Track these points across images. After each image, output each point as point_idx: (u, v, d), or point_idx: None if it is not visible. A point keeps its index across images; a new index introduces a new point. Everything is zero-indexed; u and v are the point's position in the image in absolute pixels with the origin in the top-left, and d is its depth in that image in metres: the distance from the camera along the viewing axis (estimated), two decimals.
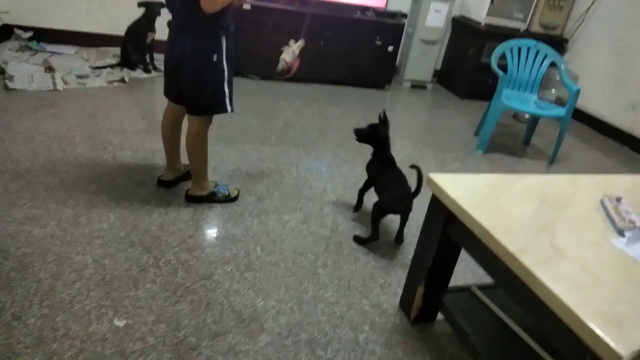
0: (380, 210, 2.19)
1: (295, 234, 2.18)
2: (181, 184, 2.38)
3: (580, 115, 4.53)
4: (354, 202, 2.53)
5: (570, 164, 3.60)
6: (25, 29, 3.93)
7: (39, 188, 2.18)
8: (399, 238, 2.29)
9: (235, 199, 2.34)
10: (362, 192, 2.48)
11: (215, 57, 1.93)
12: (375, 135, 2.32)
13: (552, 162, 3.49)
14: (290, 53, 2.38)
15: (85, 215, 2.05)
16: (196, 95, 2.00)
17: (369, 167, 2.42)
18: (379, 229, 2.20)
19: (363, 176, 2.80)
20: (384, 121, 2.31)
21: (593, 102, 4.49)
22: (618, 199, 1.56)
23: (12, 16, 3.89)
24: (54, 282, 1.68)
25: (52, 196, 2.14)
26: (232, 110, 2.08)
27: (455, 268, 1.78)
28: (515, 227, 1.35)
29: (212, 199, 2.27)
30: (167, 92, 2.14)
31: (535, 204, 1.53)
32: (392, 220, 2.40)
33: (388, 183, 2.26)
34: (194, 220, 2.15)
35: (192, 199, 2.25)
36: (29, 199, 2.09)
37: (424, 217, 1.72)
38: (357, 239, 2.24)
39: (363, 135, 2.34)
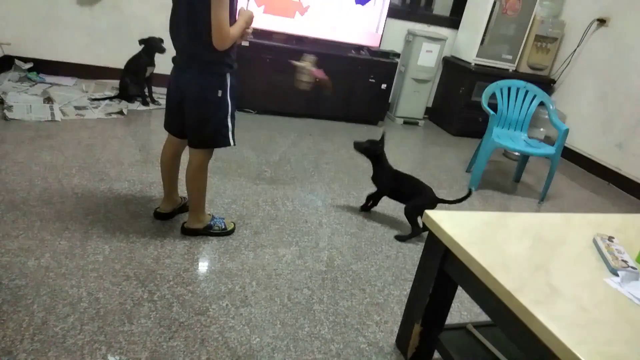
0: (420, 209, 2.55)
1: (291, 269, 2.18)
2: (177, 217, 2.38)
3: (568, 154, 4.65)
4: (349, 237, 2.55)
5: (560, 201, 3.67)
6: (25, 60, 3.99)
7: (34, 219, 2.17)
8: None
9: (231, 232, 2.34)
10: (375, 200, 2.84)
11: (220, 92, 1.98)
12: (374, 151, 2.71)
13: (542, 199, 3.55)
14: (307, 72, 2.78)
15: (81, 247, 2.04)
16: (200, 129, 2.04)
17: (378, 179, 2.78)
18: (420, 223, 2.60)
19: (358, 212, 2.84)
20: (382, 139, 2.72)
21: (580, 141, 4.61)
22: (610, 239, 1.60)
23: (13, 47, 3.95)
24: (47, 315, 1.65)
25: (48, 227, 2.13)
26: (234, 144, 2.12)
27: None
28: (512, 265, 1.38)
29: (208, 232, 2.28)
30: (168, 126, 2.18)
31: (530, 242, 1.56)
32: (389, 254, 2.42)
33: (414, 188, 2.70)
34: (189, 254, 2.14)
35: (189, 232, 2.25)
36: (23, 229, 2.08)
37: (419, 255, 1.73)
38: (400, 238, 2.63)
39: (363, 149, 2.74)
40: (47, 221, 2.17)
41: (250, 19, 1.99)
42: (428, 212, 1.61)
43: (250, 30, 2.03)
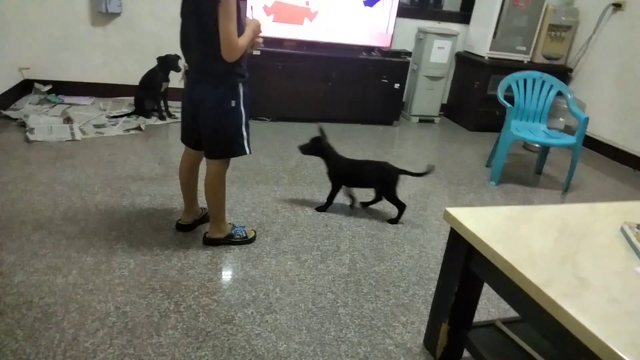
0: (393, 186, 2.70)
1: (313, 274, 2.18)
2: (199, 227, 2.40)
3: (590, 142, 4.54)
4: (370, 238, 2.54)
5: (585, 191, 3.59)
6: (44, 82, 4.10)
7: (60, 237, 2.22)
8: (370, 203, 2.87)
9: (252, 240, 2.35)
10: (332, 197, 2.80)
11: (233, 102, 2.00)
12: (319, 147, 2.68)
13: (566, 190, 3.47)
14: None
15: (106, 262, 2.08)
16: (216, 140, 2.06)
17: (334, 173, 2.73)
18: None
19: (378, 213, 2.83)
20: (322, 133, 2.70)
21: (602, 129, 4.50)
22: (639, 227, 1.55)
23: (31, 71, 4.07)
24: (77, 331, 1.68)
25: (73, 245, 2.17)
26: (250, 152, 2.14)
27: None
28: (538, 259, 1.35)
29: (229, 241, 2.29)
30: (185, 139, 2.20)
31: (555, 234, 1.52)
32: (404, 253, 2.40)
33: (374, 170, 2.75)
34: (212, 264, 2.16)
35: (210, 242, 2.27)
36: (50, 248, 2.12)
37: (442, 253, 1.71)
38: (392, 221, 2.74)
39: (309, 149, 2.71)
40: (73, 239, 2.22)
41: (258, 28, 2.00)
42: (449, 210, 1.59)
43: (260, 40, 2.05)
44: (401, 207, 2.73)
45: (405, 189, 3.21)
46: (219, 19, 1.79)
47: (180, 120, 2.24)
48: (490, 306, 2.09)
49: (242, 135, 2.09)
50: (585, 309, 1.13)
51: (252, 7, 3.98)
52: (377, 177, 2.73)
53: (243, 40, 1.90)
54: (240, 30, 1.89)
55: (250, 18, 2.03)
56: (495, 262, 1.37)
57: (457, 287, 1.61)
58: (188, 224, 2.37)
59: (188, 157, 2.24)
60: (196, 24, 1.88)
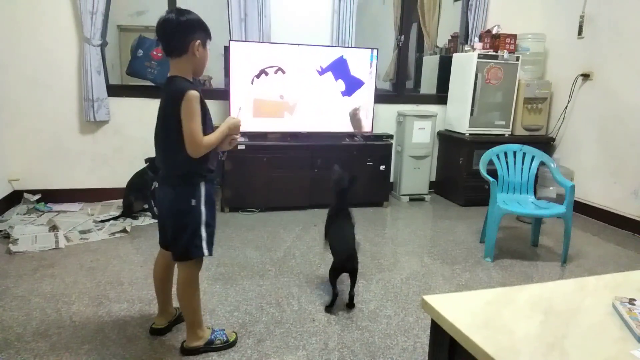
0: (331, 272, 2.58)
1: None
2: (177, 334, 2.27)
3: (585, 209, 4.48)
4: (361, 331, 2.39)
5: (585, 260, 3.46)
6: (33, 192, 4.15)
7: (27, 356, 2.08)
8: (351, 303, 2.60)
9: (233, 344, 2.20)
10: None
11: (193, 201, 1.97)
12: (345, 189, 2.81)
13: (564, 262, 3.35)
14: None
15: None
16: (176, 239, 2.01)
17: (329, 221, 2.79)
18: (335, 285, 2.59)
19: (370, 302, 2.69)
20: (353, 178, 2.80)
21: (594, 195, 4.47)
22: (631, 301, 1.44)
23: (21, 182, 4.13)
24: None
25: None
26: (210, 254, 2.04)
27: None
28: (522, 348, 1.23)
29: (209, 347, 2.15)
30: (159, 239, 2.17)
31: (541, 317, 1.41)
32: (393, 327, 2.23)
33: (332, 241, 2.66)
34: None
35: (189, 352, 2.12)
36: None
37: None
38: (328, 309, 2.57)
39: (343, 176, 2.84)
40: (41, 356, 2.08)
41: (234, 126, 2.02)
42: (426, 298, 1.49)
43: (237, 136, 2.06)
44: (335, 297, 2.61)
45: (397, 272, 3.10)
46: (182, 118, 1.84)
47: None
48: None
49: (200, 235, 2.01)
50: None
51: (240, 107, 4.13)
52: (334, 246, 2.65)
53: (211, 138, 1.92)
54: (205, 127, 1.92)
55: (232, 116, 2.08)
56: (476, 355, 1.25)
57: None
58: (163, 327, 2.25)
59: (162, 257, 2.18)
60: (161, 128, 1.92)
